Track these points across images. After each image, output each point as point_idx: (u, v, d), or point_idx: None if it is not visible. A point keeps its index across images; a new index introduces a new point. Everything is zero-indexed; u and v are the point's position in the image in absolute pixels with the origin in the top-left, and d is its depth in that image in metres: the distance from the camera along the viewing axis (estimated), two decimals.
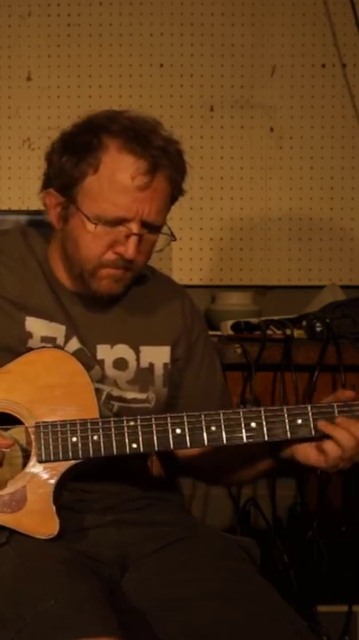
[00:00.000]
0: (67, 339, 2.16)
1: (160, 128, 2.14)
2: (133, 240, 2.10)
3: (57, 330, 2.16)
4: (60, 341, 2.16)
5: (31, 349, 2.11)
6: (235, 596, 1.96)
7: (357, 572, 2.98)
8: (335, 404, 2.01)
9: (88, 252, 2.13)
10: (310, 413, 2.01)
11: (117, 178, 2.08)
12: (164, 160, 2.09)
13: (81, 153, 2.10)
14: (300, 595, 2.86)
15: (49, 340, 2.15)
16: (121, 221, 2.09)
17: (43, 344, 2.13)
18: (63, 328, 2.17)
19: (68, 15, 3.37)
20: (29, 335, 2.15)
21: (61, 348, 2.14)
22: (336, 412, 2.01)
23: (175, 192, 2.15)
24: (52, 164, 2.15)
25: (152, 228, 2.12)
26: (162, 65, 3.39)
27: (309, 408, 2.01)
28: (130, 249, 2.10)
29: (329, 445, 2.00)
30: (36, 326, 2.16)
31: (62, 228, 2.17)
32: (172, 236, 2.18)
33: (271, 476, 2.33)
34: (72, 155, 2.11)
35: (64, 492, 2.06)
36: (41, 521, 2.00)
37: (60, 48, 3.37)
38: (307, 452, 2.04)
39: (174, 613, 1.96)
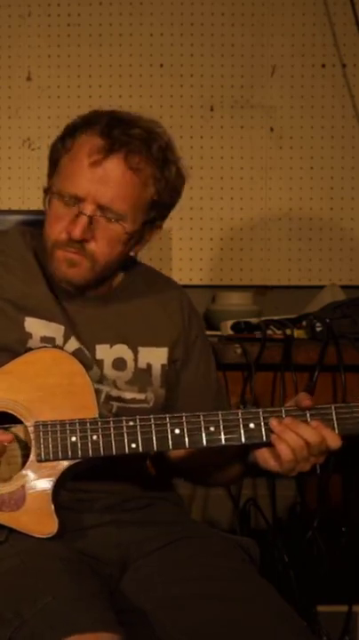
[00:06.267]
0: (66, 339, 2.16)
1: (153, 125, 2.14)
2: (82, 220, 2.10)
3: (56, 330, 2.16)
4: (59, 341, 2.15)
5: (30, 349, 2.10)
6: (235, 596, 1.96)
7: (357, 571, 2.98)
8: (333, 406, 2.01)
9: (48, 229, 2.15)
10: (308, 414, 2.01)
11: (78, 155, 2.10)
12: (131, 146, 2.09)
13: (64, 137, 2.15)
14: (300, 595, 2.85)
15: (48, 341, 2.15)
16: (76, 199, 2.10)
17: (43, 344, 2.13)
18: (62, 328, 2.17)
19: (68, 15, 3.37)
20: (29, 335, 2.15)
21: (61, 348, 2.14)
22: (333, 413, 2.01)
23: (155, 196, 2.14)
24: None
25: (110, 214, 2.11)
26: (162, 65, 3.39)
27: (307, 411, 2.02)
28: (76, 228, 2.10)
29: (281, 448, 2.00)
30: (36, 327, 2.16)
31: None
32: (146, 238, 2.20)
33: (243, 478, 2.34)
34: (59, 141, 2.16)
35: (64, 492, 2.06)
36: (40, 520, 2.00)
37: (60, 48, 3.37)
38: (265, 457, 2.04)
39: (174, 613, 1.96)
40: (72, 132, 2.14)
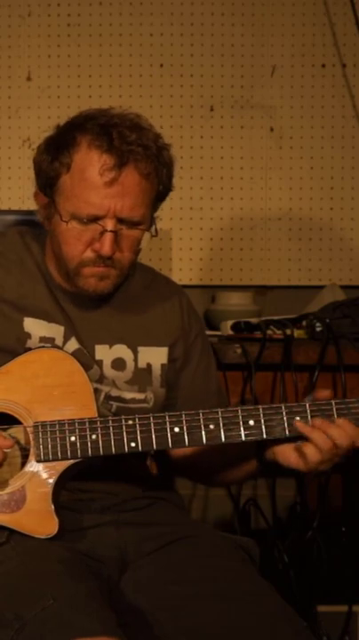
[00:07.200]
0: (66, 339, 2.17)
1: (141, 122, 2.14)
2: (108, 237, 2.10)
3: (56, 330, 2.17)
4: (59, 342, 2.16)
5: (29, 349, 2.11)
6: (235, 596, 1.95)
7: (357, 572, 2.98)
8: (333, 402, 2.01)
9: (69, 250, 2.14)
10: (308, 411, 2.01)
11: (86, 175, 2.08)
12: (136, 154, 2.08)
13: (55, 152, 2.12)
14: (300, 595, 2.85)
15: (48, 341, 2.15)
16: (94, 219, 2.10)
17: (42, 344, 2.14)
18: (62, 328, 2.17)
19: (68, 15, 3.37)
20: (28, 336, 2.16)
21: (60, 348, 2.14)
22: (334, 409, 2.01)
23: (160, 187, 2.15)
24: (35, 165, 2.17)
25: (130, 223, 2.12)
26: (162, 65, 3.39)
27: (307, 405, 2.01)
28: (105, 246, 2.10)
29: (308, 448, 2.00)
30: (35, 327, 2.16)
31: (48, 227, 2.18)
32: (155, 233, 2.18)
33: (256, 477, 2.33)
34: (48, 154, 2.13)
35: (63, 492, 2.06)
36: (40, 521, 2.00)
37: (60, 48, 3.37)
38: (287, 454, 2.04)
39: (173, 613, 1.95)
40: (61, 146, 2.12)
